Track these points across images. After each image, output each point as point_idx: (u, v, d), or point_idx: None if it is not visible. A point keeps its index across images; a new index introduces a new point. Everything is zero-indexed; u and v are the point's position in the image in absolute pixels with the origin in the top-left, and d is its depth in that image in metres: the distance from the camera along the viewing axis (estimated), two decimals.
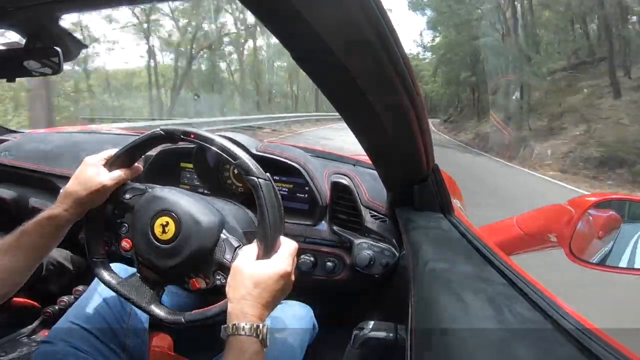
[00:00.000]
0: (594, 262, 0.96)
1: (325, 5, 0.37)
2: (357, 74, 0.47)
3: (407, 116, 0.59)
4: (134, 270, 0.78)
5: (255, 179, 0.67)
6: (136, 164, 0.83)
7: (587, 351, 0.36)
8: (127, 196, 0.79)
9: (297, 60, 0.46)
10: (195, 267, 0.71)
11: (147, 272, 0.75)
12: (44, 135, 1.52)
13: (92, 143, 1.36)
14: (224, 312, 0.63)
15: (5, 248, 0.68)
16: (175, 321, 0.71)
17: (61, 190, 0.75)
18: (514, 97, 17.16)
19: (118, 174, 0.78)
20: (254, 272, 0.63)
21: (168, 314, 0.72)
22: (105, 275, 0.77)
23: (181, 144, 0.84)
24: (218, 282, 0.70)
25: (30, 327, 1.15)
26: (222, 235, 0.72)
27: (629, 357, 0.36)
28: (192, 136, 0.74)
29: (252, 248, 0.67)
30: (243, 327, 0.58)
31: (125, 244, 0.78)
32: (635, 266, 0.97)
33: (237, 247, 0.71)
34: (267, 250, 0.65)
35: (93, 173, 0.75)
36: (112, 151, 0.80)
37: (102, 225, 0.80)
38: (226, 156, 0.70)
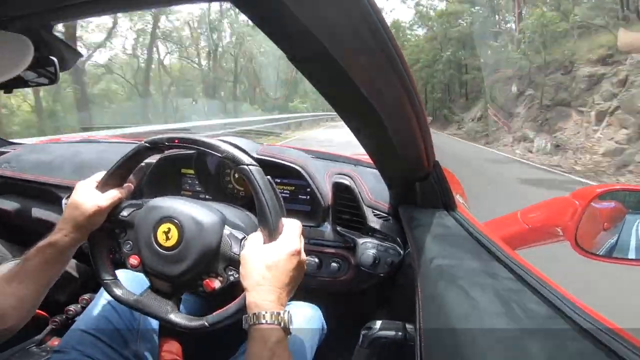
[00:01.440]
0: (600, 254, 0.95)
1: (321, 7, 0.37)
2: (355, 74, 0.47)
3: (406, 114, 0.59)
4: (141, 275, 0.77)
5: (246, 167, 0.68)
6: (127, 182, 0.82)
7: (602, 345, 0.36)
8: (125, 213, 0.78)
9: (294, 63, 0.46)
10: (206, 267, 0.71)
11: (160, 283, 0.74)
12: (44, 146, 1.52)
13: (92, 152, 1.36)
14: (244, 307, 0.63)
15: (12, 276, 0.69)
16: (199, 326, 0.70)
17: (63, 208, 0.75)
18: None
19: (112, 194, 0.78)
20: (263, 256, 0.62)
21: (190, 321, 0.71)
22: (120, 294, 0.76)
23: (182, 151, 0.83)
24: (232, 278, 0.70)
25: (38, 336, 1.14)
26: (225, 230, 0.72)
27: None
28: (176, 141, 0.74)
29: (257, 235, 0.66)
30: (263, 315, 0.58)
31: (133, 260, 0.77)
32: None
33: (242, 238, 0.71)
34: (272, 233, 0.65)
35: (87, 196, 0.76)
36: (102, 173, 0.80)
37: (106, 247, 0.80)
38: (212, 152, 0.71)
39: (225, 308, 0.68)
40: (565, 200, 1.02)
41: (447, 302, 0.49)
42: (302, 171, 1.05)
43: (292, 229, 0.67)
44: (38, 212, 1.30)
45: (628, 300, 2.33)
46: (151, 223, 0.72)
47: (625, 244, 0.97)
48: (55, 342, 1.11)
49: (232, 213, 0.82)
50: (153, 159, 1.12)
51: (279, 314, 0.58)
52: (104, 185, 0.78)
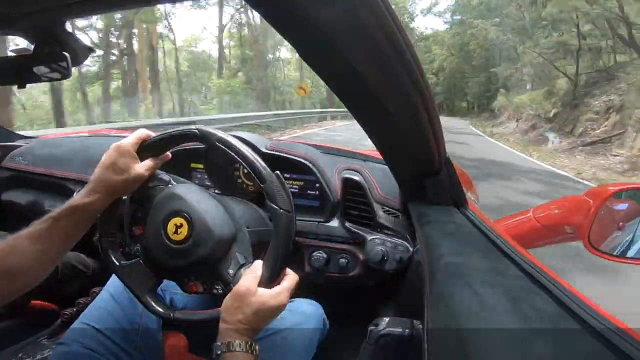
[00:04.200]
0: (615, 254, 0.93)
1: (331, 4, 0.37)
2: (364, 69, 0.47)
3: (416, 109, 0.58)
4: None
5: (278, 209, 0.68)
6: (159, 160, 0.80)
7: (614, 347, 0.35)
8: (150, 184, 0.78)
9: (304, 59, 0.46)
10: (197, 273, 0.72)
11: (149, 263, 0.75)
12: (56, 140, 1.54)
13: (104, 147, 1.37)
14: (211, 320, 0.65)
15: (37, 235, 0.67)
16: (164, 315, 0.73)
17: (92, 178, 0.72)
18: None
19: (152, 163, 0.76)
20: (254, 301, 0.64)
21: (159, 307, 0.73)
22: (111, 255, 0.77)
23: (192, 146, 0.82)
24: (215, 291, 0.71)
25: (49, 329, 1.16)
26: (232, 249, 0.72)
27: None
28: (222, 144, 0.72)
29: (256, 272, 0.67)
30: (239, 344, 0.61)
31: (137, 229, 0.78)
32: None
33: (242, 264, 0.71)
34: (271, 279, 0.67)
35: (129, 161, 0.73)
36: (143, 132, 0.77)
37: (118, 209, 0.79)
38: (254, 175, 0.70)
39: (195, 312, 0.71)
40: (579, 199, 1.00)
41: (456, 299, 0.48)
42: (312, 166, 1.05)
43: (289, 284, 0.69)
44: (50, 205, 1.32)
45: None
46: (167, 210, 0.72)
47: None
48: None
49: (242, 211, 0.82)
50: None
51: (251, 344, 0.62)
52: (144, 151, 0.75)
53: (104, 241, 0.78)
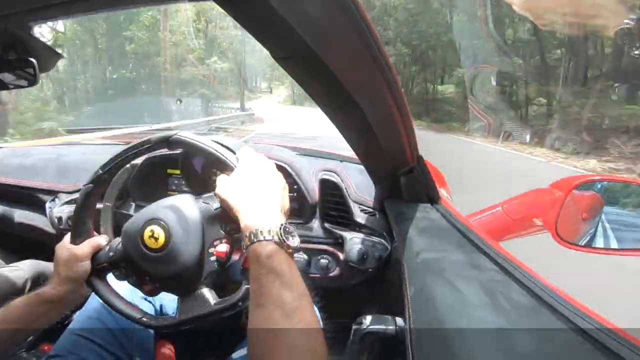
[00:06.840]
0: (581, 244, 0.97)
1: (303, 4, 0.38)
2: (337, 70, 0.48)
3: (389, 109, 0.60)
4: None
5: (177, 136, 0.71)
6: (99, 237, 0.80)
7: (584, 333, 0.37)
8: (111, 254, 0.76)
9: (279, 61, 0.47)
10: (203, 240, 0.69)
11: (179, 288, 0.72)
12: (26, 150, 1.50)
13: (75, 155, 1.34)
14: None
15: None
16: (227, 307, 0.67)
17: (47, 211, 0.75)
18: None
19: (87, 242, 0.77)
20: (231, 182, 0.63)
21: (220, 305, 0.68)
22: (158, 324, 0.73)
23: (167, 152, 0.82)
24: (237, 235, 0.69)
25: (27, 341, 1.12)
26: (199, 200, 0.72)
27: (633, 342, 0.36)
28: (111, 168, 0.76)
29: (222, 175, 0.67)
30: (253, 233, 0.55)
31: (145, 287, 0.74)
32: (619, 247, 0.99)
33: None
34: (232, 165, 0.67)
35: (65, 250, 0.76)
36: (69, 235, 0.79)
37: (114, 290, 0.77)
38: (143, 148, 0.73)
39: (234, 294, 0.66)
40: (545, 191, 1.04)
41: (434, 295, 0.50)
42: (289, 169, 1.06)
43: (244, 152, 0.68)
44: (21, 217, 1.28)
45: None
46: (135, 238, 0.69)
47: (603, 234, 1.00)
48: (45, 346, 1.10)
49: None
50: (139, 160, 1.11)
51: (269, 229, 0.55)
52: (75, 238, 0.77)
53: (142, 322, 0.74)
